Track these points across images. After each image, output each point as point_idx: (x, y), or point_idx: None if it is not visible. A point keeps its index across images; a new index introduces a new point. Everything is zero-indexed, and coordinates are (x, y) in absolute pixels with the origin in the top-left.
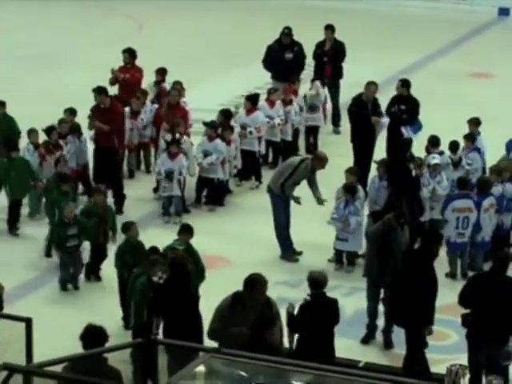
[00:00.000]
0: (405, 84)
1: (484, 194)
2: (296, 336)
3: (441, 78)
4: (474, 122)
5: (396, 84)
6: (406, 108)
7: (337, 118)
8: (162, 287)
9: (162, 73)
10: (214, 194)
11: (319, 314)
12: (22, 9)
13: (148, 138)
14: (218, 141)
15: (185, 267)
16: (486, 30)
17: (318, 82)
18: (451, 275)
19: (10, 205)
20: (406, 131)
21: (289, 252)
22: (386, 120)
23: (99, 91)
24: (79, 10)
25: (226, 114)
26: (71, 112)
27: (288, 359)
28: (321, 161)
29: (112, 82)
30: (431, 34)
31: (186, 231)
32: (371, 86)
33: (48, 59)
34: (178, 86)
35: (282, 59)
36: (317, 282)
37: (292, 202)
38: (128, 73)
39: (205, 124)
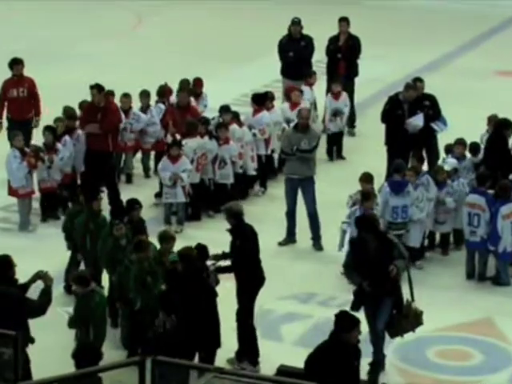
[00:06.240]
0: (422, 82)
1: (502, 200)
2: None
3: (463, 75)
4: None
5: (416, 84)
6: (429, 104)
7: (352, 119)
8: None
9: (199, 83)
10: (207, 196)
11: (245, 239)
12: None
13: (153, 141)
14: (205, 139)
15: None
16: (510, 25)
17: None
18: (467, 275)
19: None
20: (436, 126)
21: (288, 237)
22: (418, 119)
23: (99, 89)
24: (77, 2)
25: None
26: (68, 112)
27: (293, 379)
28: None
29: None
30: (453, 29)
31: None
32: (409, 89)
33: (43, 53)
34: (188, 87)
35: (287, 55)
36: (237, 212)
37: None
38: (21, 86)
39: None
